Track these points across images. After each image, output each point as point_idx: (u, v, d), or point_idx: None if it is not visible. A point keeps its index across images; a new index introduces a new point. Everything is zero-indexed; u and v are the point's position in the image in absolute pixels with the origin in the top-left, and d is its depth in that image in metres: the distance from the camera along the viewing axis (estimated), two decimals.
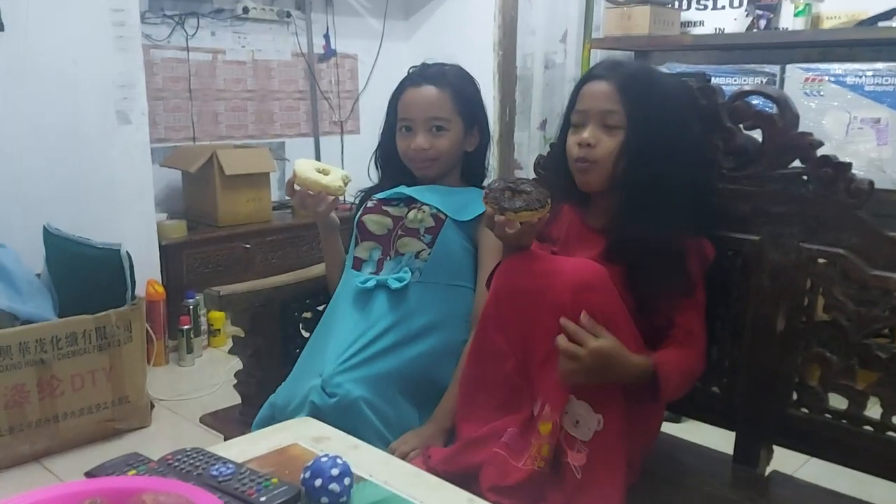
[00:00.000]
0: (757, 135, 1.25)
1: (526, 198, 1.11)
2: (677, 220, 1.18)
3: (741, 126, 1.26)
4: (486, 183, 1.55)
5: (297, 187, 1.43)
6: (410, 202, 1.44)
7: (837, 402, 1.20)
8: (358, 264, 1.44)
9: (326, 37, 3.55)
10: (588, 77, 1.26)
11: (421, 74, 1.48)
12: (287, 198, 1.48)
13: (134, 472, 0.81)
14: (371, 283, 1.37)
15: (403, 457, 1.20)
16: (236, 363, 1.54)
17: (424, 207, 1.42)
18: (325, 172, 1.43)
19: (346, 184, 1.43)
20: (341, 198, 1.50)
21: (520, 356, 1.13)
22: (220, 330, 2.95)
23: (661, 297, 1.20)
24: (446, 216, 1.41)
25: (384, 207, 1.46)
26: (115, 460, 0.83)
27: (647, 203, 1.19)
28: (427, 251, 1.39)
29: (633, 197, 1.20)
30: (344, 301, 1.40)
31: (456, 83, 1.47)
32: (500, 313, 1.14)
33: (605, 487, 1.09)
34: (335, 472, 0.80)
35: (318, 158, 3.57)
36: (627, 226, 1.21)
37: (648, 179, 1.18)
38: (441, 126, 1.45)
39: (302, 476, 0.81)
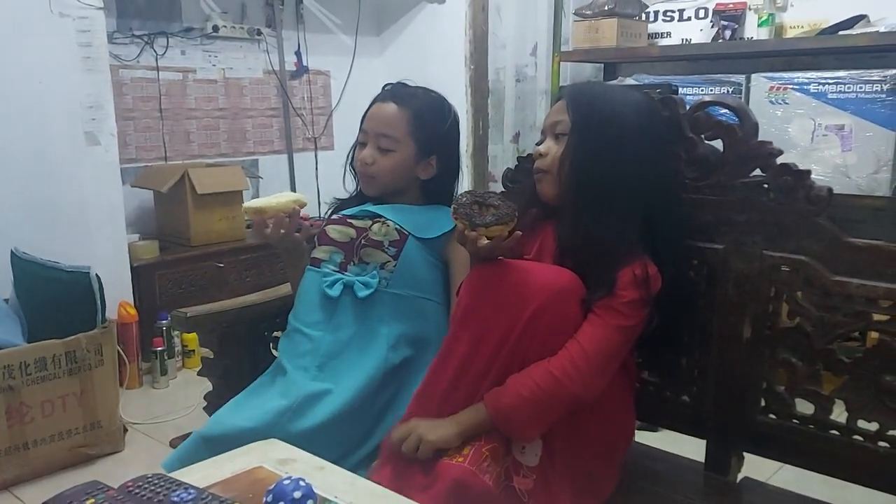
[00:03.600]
0: (718, 145, 1.26)
1: (495, 212, 1.12)
2: (613, 224, 1.18)
3: (702, 136, 1.27)
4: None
5: (254, 221, 1.44)
6: (375, 217, 1.44)
7: (804, 407, 1.21)
8: (317, 263, 1.43)
9: (298, 54, 3.55)
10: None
11: (391, 92, 1.47)
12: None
13: (92, 500, 0.79)
14: (337, 290, 1.36)
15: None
16: (209, 384, 1.53)
17: (388, 223, 1.42)
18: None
19: (298, 204, 1.44)
20: (313, 216, 1.50)
21: (479, 364, 1.13)
22: (194, 351, 2.92)
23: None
24: (409, 233, 1.41)
25: (349, 220, 1.45)
26: (73, 489, 0.82)
27: (585, 203, 1.20)
28: (392, 263, 1.39)
29: (573, 196, 1.22)
30: (307, 309, 1.40)
31: (419, 107, 1.45)
32: (467, 320, 1.14)
33: None
34: (297, 494, 0.79)
35: (292, 175, 3.58)
36: (568, 224, 1.23)
37: (585, 180, 1.20)
38: (388, 145, 1.43)
39: (264, 500, 0.79)
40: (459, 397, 1.14)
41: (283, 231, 1.44)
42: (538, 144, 1.31)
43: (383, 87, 1.50)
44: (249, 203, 1.44)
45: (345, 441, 1.28)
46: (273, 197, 1.45)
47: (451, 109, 1.51)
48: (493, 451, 1.10)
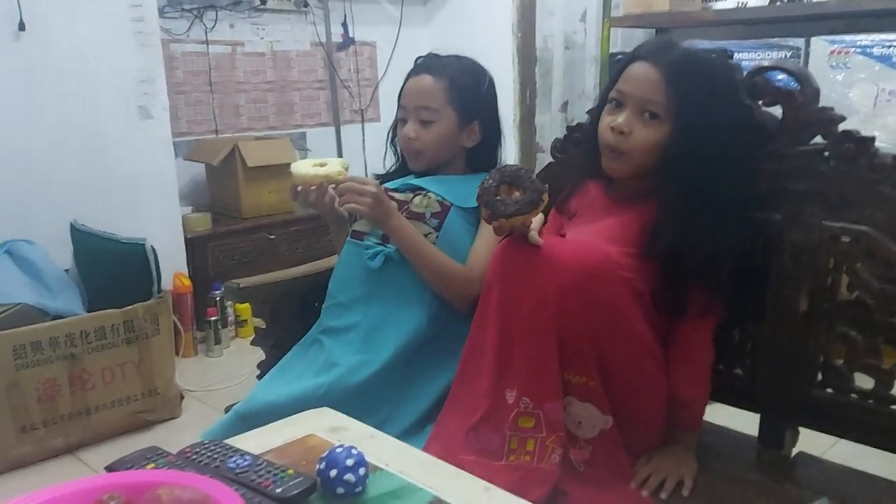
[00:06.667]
0: (776, 111, 1.22)
1: (520, 198, 1.06)
2: (721, 234, 1.14)
3: (760, 102, 1.23)
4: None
5: (299, 188, 1.40)
6: (416, 189, 1.44)
7: (863, 381, 1.18)
8: (359, 236, 1.43)
9: (344, 25, 3.55)
10: (634, 57, 1.20)
11: (423, 64, 1.47)
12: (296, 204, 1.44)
13: (152, 465, 0.82)
14: (379, 262, 1.37)
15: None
16: (262, 354, 1.56)
17: (430, 194, 1.42)
18: (322, 165, 1.40)
19: (346, 169, 1.40)
20: None
21: (504, 337, 1.10)
22: (246, 320, 2.98)
23: (688, 310, 1.18)
24: (451, 204, 1.40)
25: (390, 193, 1.45)
26: (134, 454, 0.84)
27: (690, 211, 1.14)
28: (434, 234, 1.39)
29: (674, 201, 1.16)
30: (349, 282, 1.41)
31: (455, 74, 1.44)
32: (494, 301, 1.12)
33: (610, 477, 1.11)
34: (350, 462, 0.80)
35: (339, 147, 3.59)
36: (666, 233, 1.15)
37: (691, 184, 1.14)
38: (428, 117, 1.43)
39: (317, 467, 0.81)
40: (491, 383, 1.10)
41: (325, 201, 1.43)
42: (609, 105, 1.21)
43: (415, 61, 1.50)
44: (301, 167, 1.40)
45: (379, 406, 1.29)
46: (322, 162, 1.40)
47: (486, 72, 1.50)
48: (556, 440, 1.08)
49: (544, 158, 3.28)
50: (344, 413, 1.03)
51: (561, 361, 1.08)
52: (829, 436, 1.23)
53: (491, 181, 1.08)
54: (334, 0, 3.48)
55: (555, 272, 1.06)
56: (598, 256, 1.09)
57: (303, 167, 1.39)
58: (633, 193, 1.24)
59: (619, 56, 1.34)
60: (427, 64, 1.46)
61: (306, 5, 3.38)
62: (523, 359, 1.08)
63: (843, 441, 1.22)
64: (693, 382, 1.19)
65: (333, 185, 1.39)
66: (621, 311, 1.10)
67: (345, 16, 3.53)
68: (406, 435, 1.27)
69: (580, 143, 1.41)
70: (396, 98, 1.50)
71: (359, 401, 1.25)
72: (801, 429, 1.26)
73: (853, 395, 1.18)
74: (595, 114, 1.28)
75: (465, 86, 1.44)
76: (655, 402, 1.18)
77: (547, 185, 1.10)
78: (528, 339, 1.07)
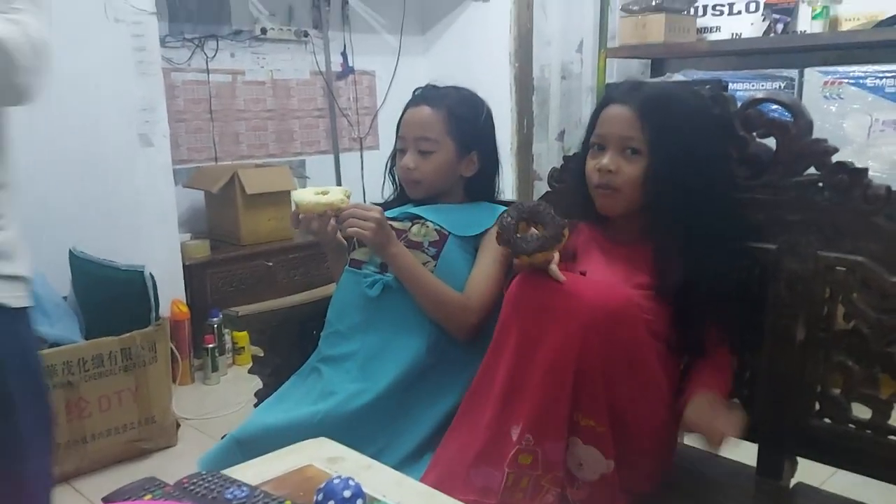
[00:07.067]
0: (770, 142, 1.24)
1: (542, 233, 1.05)
2: (716, 266, 1.16)
3: (754, 134, 1.25)
4: (496, 195, 1.55)
5: (301, 216, 1.39)
6: (415, 218, 1.45)
7: (861, 411, 1.18)
8: (357, 265, 1.43)
9: (344, 54, 3.59)
10: (607, 100, 1.26)
11: (422, 95, 1.48)
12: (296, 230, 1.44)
13: (150, 496, 0.82)
14: (377, 291, 1.37)
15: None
16: (260, 381, 1.55)
17: (428, 223, 1.43)
18: (324, 193, 1.39)
19: (348, 197, 1.39)
20: None
21: (517, 371, 1.09)
22: (244, 348, 2.98)
23: (707, 334, 1.20)
24: (449, 233, 1.41)
25: (388, 222, 1.46)
26: (131, 485, 0.84)
27: (684, 246, 1.17)
28: (432, 263, 1.39)
29: (666, 237, 1.19)
30: (347, 311, 1.41)
31: (453, 105, 1.45)
32: (510, 335, 1.10)
33: None
34: (347, 493, 0.80)
35: (338, 175, 3.61)
36: (668, 270, 1.18)
37: (681, 218, 1.17)
38: (427, 147, 1.44)
39: (315, 498, 0.81)
40: (493, 417, 1.09)
41: (328, 230, 1.41)
42: (592, 149, 1.26)
43: (413, 93, 1.51)
44: (303, 195, 1.38)
45: (376, 435, 1.28)
46: (324, 190, 1.40)
47: (484, 103, 1.51)
48: (553, 479, 1.06)
49: (541, 187, 3.30)
50: (341, 441, 1.02)
51: (572, 401, 1.06)
52: (827, 466, 1.23)
53: (510, 218, 1.07)
54: (334, 30, 3.52)
55: (578, 311, 1.04)
56: (622, 298, 1.09)
57: (305, 195, 1.39)
58: (629, 235, 1.27)
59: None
60: (425, 95, 1.48)
61: (306, 35, 3.42)
62: (535, 395, 1.05)
63: (842, 471, 1.22)
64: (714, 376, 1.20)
65: (335, 214, 1.39)
66: (640, 353, 1.10)
67: (344, 45, 3.58)
68: (404, 464, 1.26)
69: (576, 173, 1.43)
70: (395, 127, 1.52)
71: (356, 429, 1.24)
72: (799, 459, 1.26)
73: (851, 426, 1.18)
74: (579, 159, 1.31)
75: (463, 116, 1.46)
76: (660, 446, 1.18)
77: (567, 221, 1.08)
78: (547, 375, 1.05)
